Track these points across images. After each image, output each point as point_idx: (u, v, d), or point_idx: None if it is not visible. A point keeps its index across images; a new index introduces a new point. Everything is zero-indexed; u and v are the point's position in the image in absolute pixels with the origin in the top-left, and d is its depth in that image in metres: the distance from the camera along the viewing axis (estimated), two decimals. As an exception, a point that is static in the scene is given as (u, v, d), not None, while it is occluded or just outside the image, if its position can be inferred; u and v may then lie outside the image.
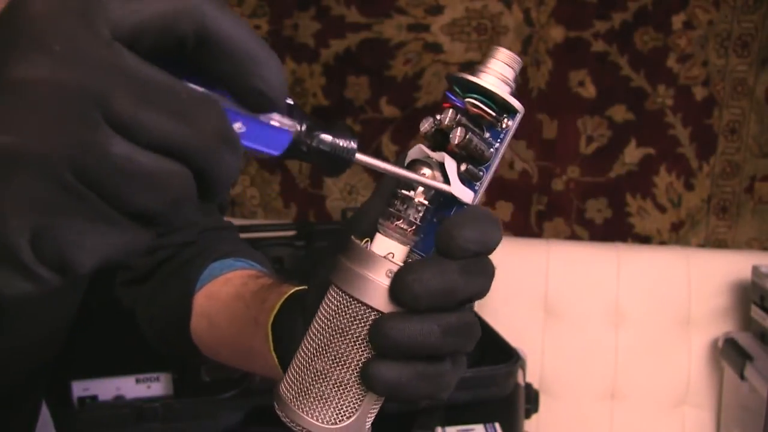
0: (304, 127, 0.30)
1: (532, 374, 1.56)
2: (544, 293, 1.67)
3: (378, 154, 1.77)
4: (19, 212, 0.24)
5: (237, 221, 1.74)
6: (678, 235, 1.81)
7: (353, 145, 0.31)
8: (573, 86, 1.74)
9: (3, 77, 0.24)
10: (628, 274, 1.67)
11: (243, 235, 1.49)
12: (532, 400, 1.36)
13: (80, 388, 1.10)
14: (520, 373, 1.27)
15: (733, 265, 1.65)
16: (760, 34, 1.71)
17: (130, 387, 1.12)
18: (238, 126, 0.28)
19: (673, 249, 1.73)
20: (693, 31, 1.71)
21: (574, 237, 1.82)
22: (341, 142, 0.31)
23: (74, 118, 0.24)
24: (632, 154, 1.78)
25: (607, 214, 1.81)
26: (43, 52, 0.23)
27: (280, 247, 1.48)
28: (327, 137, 0.30)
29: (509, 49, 0.36)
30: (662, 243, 1.81)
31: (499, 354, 1.25)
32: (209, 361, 0.63)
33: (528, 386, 1.34)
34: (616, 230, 1.80)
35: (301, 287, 0.51)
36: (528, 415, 1.35)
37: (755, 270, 1.54)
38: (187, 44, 0.26)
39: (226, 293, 0.60)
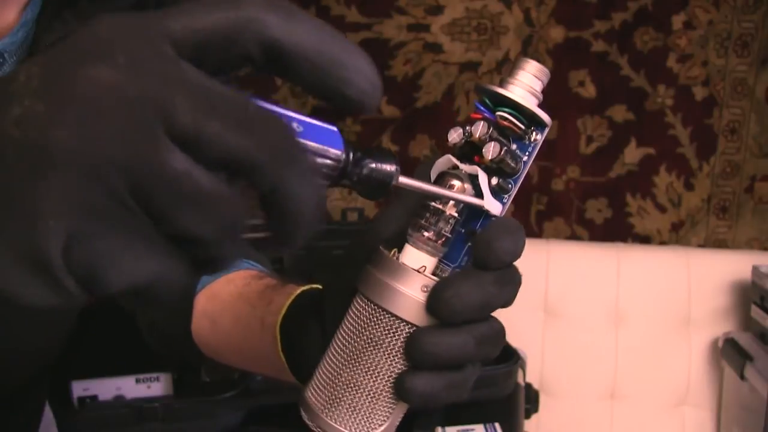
0: (351, 157, 0.29)
1: (532, 374, 1.56)
2: (544, 293, 1.67)
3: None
4: (59, 213, 0.22)
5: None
6: (678, 235, 1.81)
7: (395, 169, 0.31)
8: (573, 86, 1.74)
9: (68, 79, 0.23)
10: (628, 274, 1.67)
11: (243, 235, 1.49)
12: (532, 400, 1.36)
13: (80, 388, 1.10)
14: (520, 373, 1.27)
15: (733, 265, 1.65)
16: (760, 34, 1.71)
17: (130, 387, 1.12)
18: (295, 126, 0.27)
19: (673, 249, 1.73)
20: (693, 31, 1.71)
21: (574, 237, 1.82)
22: (386, 167, 0.31)
23: (136, 127, 0.23)
24: (632, 154, 1.78)
25: (607, 214, 1.81)
26: (108, 63, 0.23)
27: (280, 247, 1.48)
28: (372, 165, 0.30)
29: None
30: (662, 243, 1.81)
31: (499, 354, 1.25)
32: (211, 361, 0.63)
33: (528, 386, 1.34)
34: (616, 230, 1.80)
35: (306, 287, 0.51)
36: (528, 415, 1.35)
37: (755, 270, 1.54)
38: (254, 59, 0.25)
39: (228, 293, 0.60)
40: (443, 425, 1.10)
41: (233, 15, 0.25)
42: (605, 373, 1.67)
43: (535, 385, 1.47)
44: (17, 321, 0.58)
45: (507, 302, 0.36)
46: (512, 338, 1.31)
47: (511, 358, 1.24)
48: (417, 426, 1.19)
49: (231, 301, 0.59)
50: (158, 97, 0.23)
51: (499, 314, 0.37)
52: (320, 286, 0.48)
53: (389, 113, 1.78)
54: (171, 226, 0.24)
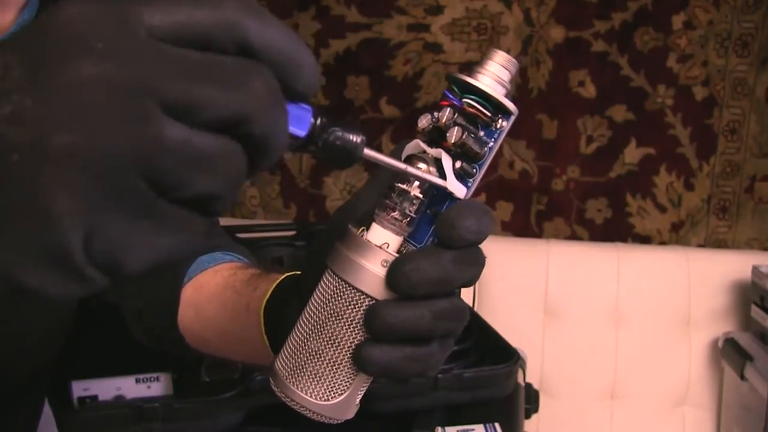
0: (318, 122, 0.31)
1: (532, 374, 1.56)
2: (544, 293, 1.67)
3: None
4: (76, 211, 0.23)
5: (237, 221, 1.74)
6: (678, 235, 1.81)
7: (362, 140, 0.32)
8: (573, 86, 1.74)
9: (52, 78, 0.23)
10: (628, 274, 1.67)
11: (243, 235, 1.49)
12: (532, 400, 1.36)
13: (80, 388, 1.10)
14: (520, 373, 1.26)
15: (733, 265, 1.65)
16: (760, 34, 1.71)
17: (130, 387, 1.12)
18: None
19: (673, 249, 1.73)
20: (693, 31, 1.71)
21: (574, 237, 1.82)
22: (351, 137, 0.32)
23: (128, 112, 0.23)
24: (632, 154, 1.78)
25: (607, 214, 1.81)
26: (87, 52, 0.24)
27: (280, 247, 1.48)
28: (339, 132, 0.32)
29: (509, 49, 0.37)
30: (662, 243, 1.81)
31: (499, 354, 1.25)
32: (197, 353, 0.64)
33: (528, 386, 1.34)
34: (616, 230, 1.80)
35: (292, 273, 0.52)
36: (528, 415, 1.35)
37: (755, 270, 1.54)
38: (227, 53, 0.26)
39: (215, 284, 0.61)
40: (443, 425, 1.10)
41: (215, 15, 0.26)
42: (605, 373, 1.67)
43: (535, 385, 1.47)
44: (21, 317, 0.58)
45: (468, 281, 0.37)
46: (512, 338, 1.32)
47: (511, 358, 1.24)
48: (417, 426, 1.19)
49: (217, 291, 0.60)
50: (144, 77, 0.24)
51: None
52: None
53: (389, 113, 1.78)
54: (181, 193, 0.25)
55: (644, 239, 1.81)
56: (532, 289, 1.67)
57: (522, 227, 1.81)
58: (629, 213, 1.81)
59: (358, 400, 0.39)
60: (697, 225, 1.81)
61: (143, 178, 0.24)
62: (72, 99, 0.23)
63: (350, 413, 0.39)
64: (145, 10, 0.25)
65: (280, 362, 0.38)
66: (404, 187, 0.37)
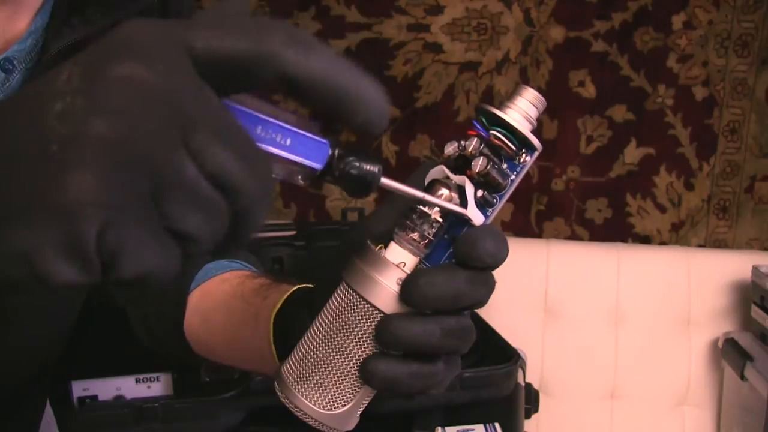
0: (335, 153, 0.32)
1: (532, 374, 1.56)
2: (544, 293, 1.67)
3: (378, 154, 1.77)
4: (97, 201, 0.25)
5: (237, 221, 1.74)
6: (678, 235, 1.81)
7: (378, 169, 0.34)
8: (573, 86, 1.74)
9: (102, 77, 0.25)
10: (628, 274, 1.67)
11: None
12: (532, 400, 1.36)
13: (80, 388, 1.10)
14: (520, 373, 1.27)
15: (733, 265, 1.65)
16: (760, 34, 1.71)
17: (130, 387, 1.12)
18: (280, 138, 0.30)
19: (673, 249, 1.73)
20: (693, 31, 1.71)
21: (574, 237, 1.82)
22: (368, 167, 0.33)
23: (163, 131, 0.25)
24: (632, 154, 1.78)
25: (607, 214, 1.81)
26: (147, 66, 0.26)
27: (280, 247, 1.48)
28: (356, 163, 0.33)
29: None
30: (662, 243, 1.81)
31: (499, 354, 1.25)
32: (202, 359, 0.64)
33: (528, 386, 1.34)
34: (616, 230, 1.81)
35: (303, 285, 0.52)
36: (528, 415, 1.35)
37: (755, 270, 1.54)
38: (270, 87, 0.28)
39: (222, 292, 0.61)
40: (443, 425, 1.10)
41: (256, 48, 0.27)
42: (605, 373, 1.67)
43: (535, 385, 1.47)
44: (24, 319, 0.58)
45: (478, 303, 0.38)
46: (512, 338, 1.32)
47: (511, 358, 1.24)
48: (417, 426, 1.19)
49: (224, 299, 0.60)
50: (186, 110, 0.26)
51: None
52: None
53: (389, 113, 1.77)
54: (176, 223, 0.27)
55: (644, 239, 1.81)
56: (532, 289, 1.67)
57: (522, 227, 1.81)
58: (629, 213, 1.81)
59: (359, 413, 0.39)
60: (697, 225, 1.81)
61: (153, 194, 0.26)
62: (119, 98, 0.25)
63: (350, 425, 0.39)
64: (192, 38, 0.27)
65: (287, 368, 0.39)
66: (425, 210, 0.38)
